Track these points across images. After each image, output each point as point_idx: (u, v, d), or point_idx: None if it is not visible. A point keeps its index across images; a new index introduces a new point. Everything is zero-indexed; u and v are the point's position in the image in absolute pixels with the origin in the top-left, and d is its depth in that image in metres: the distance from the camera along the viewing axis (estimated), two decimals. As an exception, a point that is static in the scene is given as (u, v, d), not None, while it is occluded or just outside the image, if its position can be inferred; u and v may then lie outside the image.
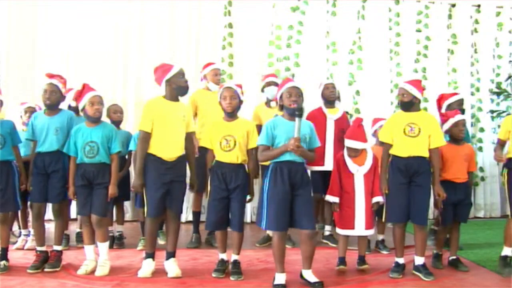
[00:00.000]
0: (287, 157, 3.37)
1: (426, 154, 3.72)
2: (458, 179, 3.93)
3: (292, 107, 3.40)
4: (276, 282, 3.41)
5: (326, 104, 4.81)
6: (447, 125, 4.03)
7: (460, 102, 4.71)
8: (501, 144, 4.01)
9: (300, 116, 3.33)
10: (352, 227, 3.79)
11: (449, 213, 3.91)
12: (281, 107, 3.52)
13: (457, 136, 4.01)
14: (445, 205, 3.84)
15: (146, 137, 3.62)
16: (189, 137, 3.84)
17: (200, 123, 4.75)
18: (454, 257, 4.01)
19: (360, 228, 3.78)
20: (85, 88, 3.84)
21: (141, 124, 3.65)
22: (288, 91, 3.44)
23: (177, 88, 3.69)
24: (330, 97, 4.80)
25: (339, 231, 3.87)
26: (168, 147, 3.64)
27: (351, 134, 3.84)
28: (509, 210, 3.85)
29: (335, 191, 3.83)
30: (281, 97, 3.50)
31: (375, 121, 4.76)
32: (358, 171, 3.78)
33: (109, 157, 3.81)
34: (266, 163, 3.59)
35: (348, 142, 3.82)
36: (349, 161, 3.80)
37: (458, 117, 4.01)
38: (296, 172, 3.39)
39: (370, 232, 3.86)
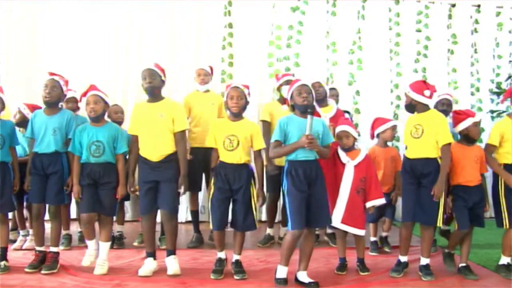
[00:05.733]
0: (300, 155, 3.39)
1: (432, 154, 3.62)
2: (471, 182, 3.76)
3: (303, 104, 3.43)
4: (278, 276, 3.43)
5: (317, 103, 4.77)
6: (464, 124, 3.78)
7: (444, 102, 4.43)
8: (491, 151, 3.83)
9: (312, 113, 3.37)
10: None
11: (466, 217, 3.75)
12: (293, 108, 3.55)
13: (474, 136, 3.81)
14: (461, 209, 3.75)
15: (133, 139, 3.82)
16: (177, 137, 3.75)
17: (192, 124, 4.67)
18: (464, 264, 3.84)
19: (336, 219, 3.72)
20: (89, 88, 3.87)
21: (128, 129, 3.90)
22: (298, 90, 3.47)
23: (144, 90, 3.79)
24: (316, 97, 4.73)
25: None
26: (149, 148, 3.71)
27: (340, 124, 3.91)
28: (507, 220, 3.73)
29: None
30: (291, 97, 3.53)
31: (378, 120, 4.61)
32: (349, 162, 3.77)
33: (114, 157, 3.81)
34: (282, 163, 3.61)
35: (338, 128, 3.86)
36: (342, 153, 3.81)
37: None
38: (311, 170, 3.41)
39: (347, 228, 3.74)
